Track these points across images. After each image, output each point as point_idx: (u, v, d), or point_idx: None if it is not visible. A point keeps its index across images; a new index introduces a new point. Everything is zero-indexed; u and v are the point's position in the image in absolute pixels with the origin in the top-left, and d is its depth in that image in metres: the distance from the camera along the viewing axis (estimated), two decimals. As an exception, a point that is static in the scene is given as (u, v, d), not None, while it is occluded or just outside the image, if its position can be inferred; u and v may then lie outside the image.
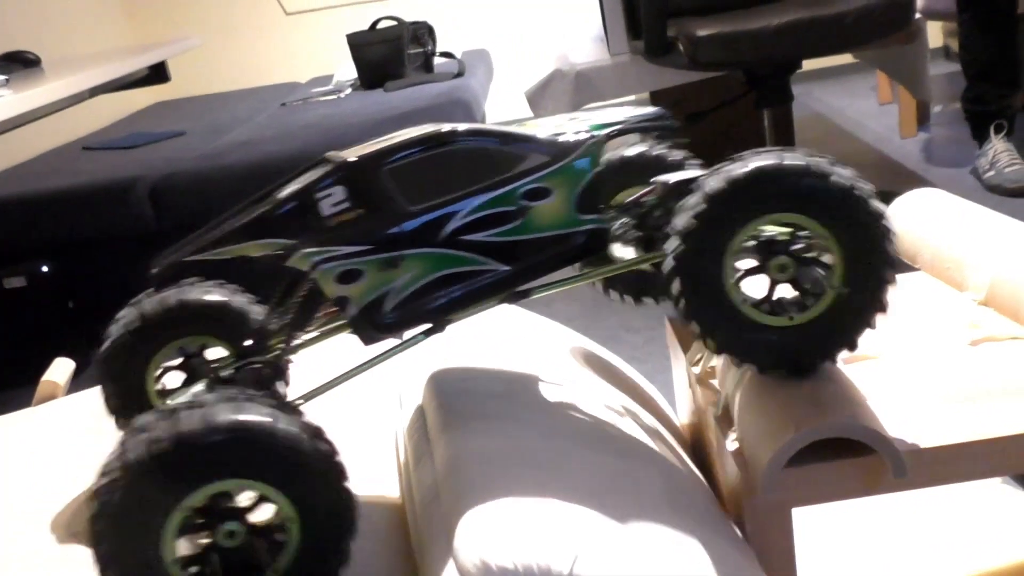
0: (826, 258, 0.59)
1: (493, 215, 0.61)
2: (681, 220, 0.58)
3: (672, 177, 0.66)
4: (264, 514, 0.54)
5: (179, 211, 2.44)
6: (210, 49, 4.29)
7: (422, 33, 3.37)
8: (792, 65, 2.09)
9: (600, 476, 0.59)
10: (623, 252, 0.71)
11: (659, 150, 0.77)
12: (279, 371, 0.64)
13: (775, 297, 0.61)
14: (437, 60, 3.47)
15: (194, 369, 0.73)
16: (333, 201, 0.59)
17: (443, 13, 4.14)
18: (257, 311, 0.72)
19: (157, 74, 2.46)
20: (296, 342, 0.65)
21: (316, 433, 0.53)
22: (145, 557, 0.51)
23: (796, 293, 0.60)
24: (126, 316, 0.71)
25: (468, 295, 0.62)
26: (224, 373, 0.62)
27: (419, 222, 0.60)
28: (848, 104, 3.81)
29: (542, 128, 0.64)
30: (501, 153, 0.61)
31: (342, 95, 3.37)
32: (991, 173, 2.51)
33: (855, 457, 0.61)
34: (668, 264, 0.59)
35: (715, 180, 0.57)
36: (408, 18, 3.51)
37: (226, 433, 0.50)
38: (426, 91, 3.03)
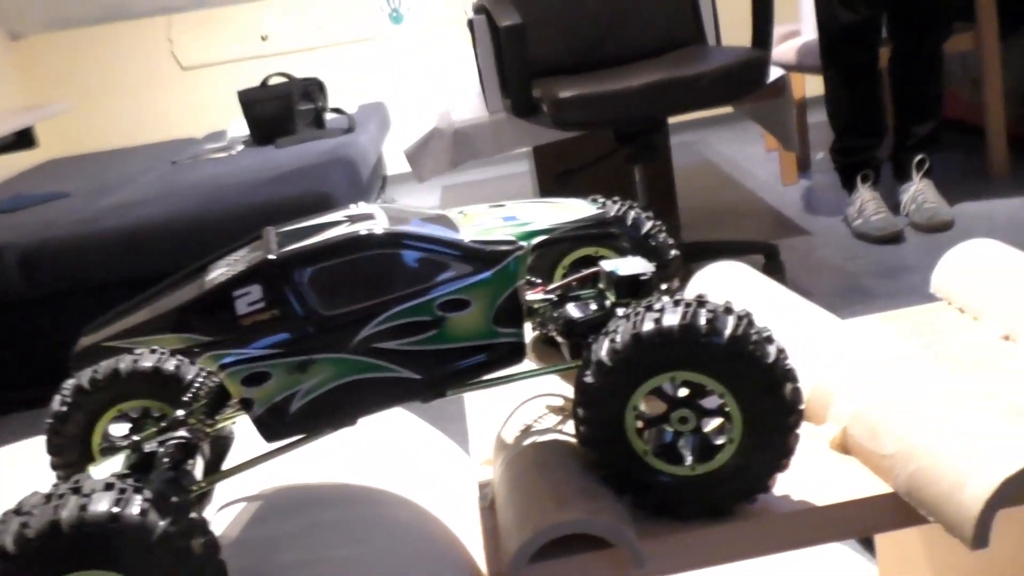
0: (728, 409, 0.59)
1: (408, 324, 0.60)
2: (589, 377, 0.59)
3: (620, 269, 0.66)
4: None
5: (52, 277, 2.39)
6: (107, 104, 4.23)
7: (312, 89, 3.38)
8: (658, 123, 2.15)
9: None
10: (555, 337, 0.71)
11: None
12: (193, 450, 0.63)
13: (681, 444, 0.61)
14: (328, 116, 3.47)
15: (138, 425, 0.73)
16: (249, 300, 0.58)
17: (337, 68, 4.16)
18: (193, 374, 0.73)
19: (24, 139, 2.40)
20: (211, 424, 0.66)
21: (197, 527, 0.53)
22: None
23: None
24: (66, 387, 0.72)
25: (376, 400, 0.61)
26: (146, 447, 0.62)
27: (332, 327, 0.59)
28: (737, 151, 3.92)
29: (473, 226, 0.64)
30: (422, 260, 0.60)
31: (234, 152, 3.35)
32: (859, 221, 2.60)
33: (600, 550, 0.61)
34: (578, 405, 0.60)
35: (620, 335, 0.58)
36: (303, 73, 3.52)
37: (96, 525, 0.51)
38: (315, 147, 3.03)
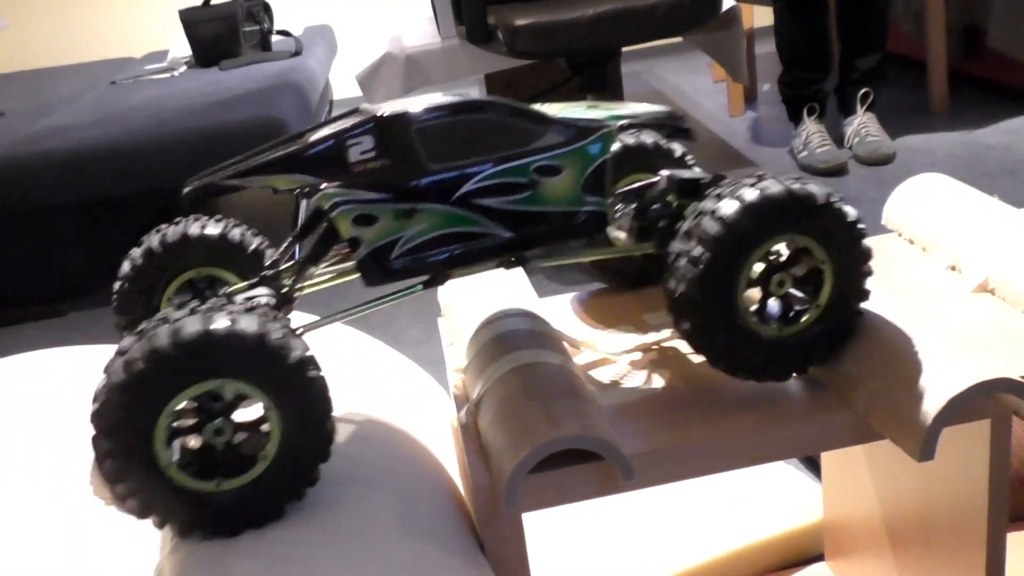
0: (822, 274, 0.64)
1: (506, 184, 0.65)
2: (696, 244, 0.62)
3: (681, 174, 0.70)
4: (250, 413, 0.58)
5: (-9, 199, 2.34)
6: (39, 21, 4.07)
7: (257, 10, 3.30)
8: (611, 53, 2.15)
9: (321, 510, 0.61)
10: (618, 236, 0.75)
11: (667, 145, 0.82)
12: (286, 302, 0.67)
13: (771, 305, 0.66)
14: (275, 38, 3.40)
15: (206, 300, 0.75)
16: (362, 149, 0.62)
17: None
18: (259, 244, 0.76)
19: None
20: (304, 282, 0.68)
21: (286, 329, 0.57)
22: (144, 465, 0.56)
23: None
24: (133, 255, 0.74)
25: (471, 254, 0.66)
26: (236, 299, 0.64)
27: (437, 179, 0.63)
28: (685, 81, 3.94)
29: (563, 111, 0.68)
30: (522, 128, 0.65)
31: (176, 73, 3.27)
32: (804, 153, 2.65)
33: (588, 462, 0.65)
34: (678, 285, 0.63)
35: (730, 204, 0.62)
36: (245, -7, 3.43)
37: (193, 341, 0.54)
38: (262, 70, 2.97)
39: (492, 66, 2.44)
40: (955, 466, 0.74)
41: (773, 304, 0.66)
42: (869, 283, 0.66)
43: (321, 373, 0.58)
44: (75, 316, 2.38)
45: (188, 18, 3.26)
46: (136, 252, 0.74)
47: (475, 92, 3.60)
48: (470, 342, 0.78)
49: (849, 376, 0.65)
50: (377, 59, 2.49)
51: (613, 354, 0.79)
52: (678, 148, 0.84)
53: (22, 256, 2.40)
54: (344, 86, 3.87)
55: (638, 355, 0.78)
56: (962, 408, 0.59)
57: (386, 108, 0.63)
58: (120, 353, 0.56)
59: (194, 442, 0.58)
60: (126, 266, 0.74)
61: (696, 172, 0.71)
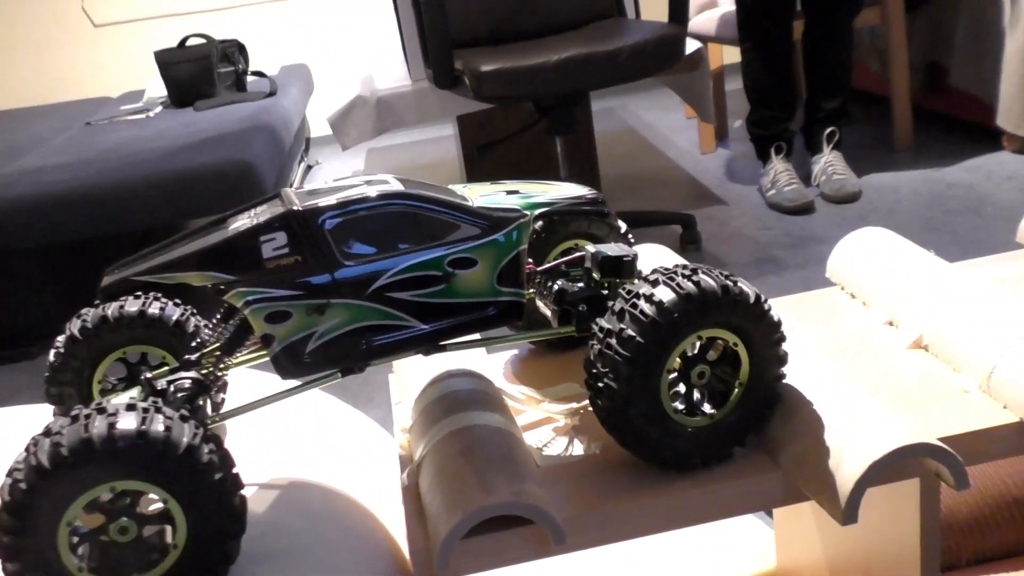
0: (737, 358, 0.65)
1: (419, 277, 0.65)
2: (628, 332, 0.62)
3: (605, 251, 0.71)
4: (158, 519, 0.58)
5: (-40, 244, 2.34)
6: (15, 61, 4.09)
7: (232, 51, 3.33)
8: (577, 96, 2.18)
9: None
10: (545, 312, 0.76)
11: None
12: (206, 388, 0.67)
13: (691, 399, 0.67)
14: (250, 79, 3.43)
15: (136, 378, 0.76)
16: (275, 246, 0.63)
17: (258, 27, 4.09)
18: (194, 323, 0.77)
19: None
20: (225, 364, 0.69)
21: (213, 441, 0.57)
22: (43, 549, 0.55)
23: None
24: (72, 325, 0.75)
25: (386, 346, 0.66)
26: (158, 384, 0.65)
27: (350, 274, 0.64)
28: (658, 117, 3.98)
29: (483, 197, 0.70)
30: (436, 220, 0.65)
31: (151, 114, 3.29)
32: (772, 192, 2.69)
33: (523, 526, 0.66)
34: (601, 382, 0.63)
35: (655, 300, 0.62)
36: (221, 35, 3.46)
37: (123, 439, 0.54)
38: (235, 111, 2.99)
39: (462, 108, 2.47)
40: (889, 519, 0.75)
41: (696, 395, 0.66)
42: (802, 339, 0.67)
43: (214, 457, 0.57)
44: (46, 358, 2.37)
45: (163, 59, 3.29)
46: (59, 341, 0.74)
47: (450, 129, 3.62)
48: (415, 401, 0.80)
49: (776, 438, 0.67)
50: (348, 101, 2.51)
51: (556, 413, 0.80)
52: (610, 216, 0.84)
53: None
54: (322, 123, 3.90)
55: (581, 413, 0.80)
56: (886, 471, 0.61)
57: (300, 202, 0.63)
58: (47, 434, 0.55)
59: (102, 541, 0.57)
60: (51, 355, 0.74)
61: (621, 249, 0.72)
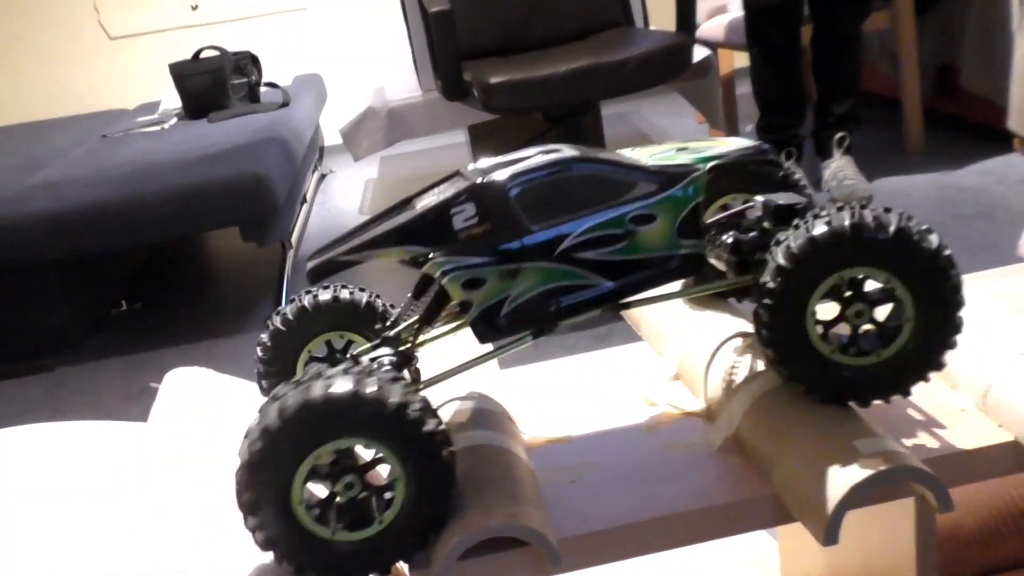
0: (897, 295, 0.66)
1: (603, 236, 0.68)
2: (766, 283, 0.65)
3: (776, 199, 0.72)
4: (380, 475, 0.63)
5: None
6: (34, 75, 4.14)
7: (245, 63, 3.36)
8: (585, 106, 2.19)
9: None
10: (718, 265, 0.77)
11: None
12: (408, 360, 0.72)
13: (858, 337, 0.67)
14: (263, 90, 3.46)
15: (336, 361, 0.82)
16: (464, 217, 0.66)
17: (271, 38, 4.12)
18: (381, 304, 0.82)
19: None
20: (423, 337, 0.74)
21: (424, 404, 0.62)
22: (278, 503, 0.61)
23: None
24: (286, 309, 0.81)
25: (575, 305, 0.69)
26: (362, 360, 0.70)
27: (537, 239, 0.67)
28: (670, 123, 3.99)
29: (652, 157, 0.72)
30: (614, 180, 0.68)
31: (166, 126, 3.32)
32: (782, 197, 2.68)
33: (521, 547, 0.67)
34: (760, 318, 0.66)
35: (796, 237, 0.64)
36: (235, 46, 3.49)
37: (343, 399, 0.60)
38: (249, 123, 3.02)
39: (472, 118, 2.49)
40: (888, 535, 0.76)
41: (860, 335, 0.67)
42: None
43: (452, 449, 0.63)
44: (62, 371, 2.41)
45: (178, 72, 3.32)
46: (289, 309, 0.81)
47: (462, 135, 3.64)
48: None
49: (769, 457, 0.68)
50: (360, 113, 2.54)
51: (558, 439, 0.81)
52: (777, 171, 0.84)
53: (7, 312, 2.43)
54: (335, 133, 3.92)
55: (586, 432, 0.81)
56: (868, 494, 0.62)
57: (483, 175, 0.67)
58: (274, 399, 0.61)
59: (325, 490, 0.63)
60: (276, 320, 0.81)
61: (791, 197, 0.73)
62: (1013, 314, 0.84)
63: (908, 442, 0.71)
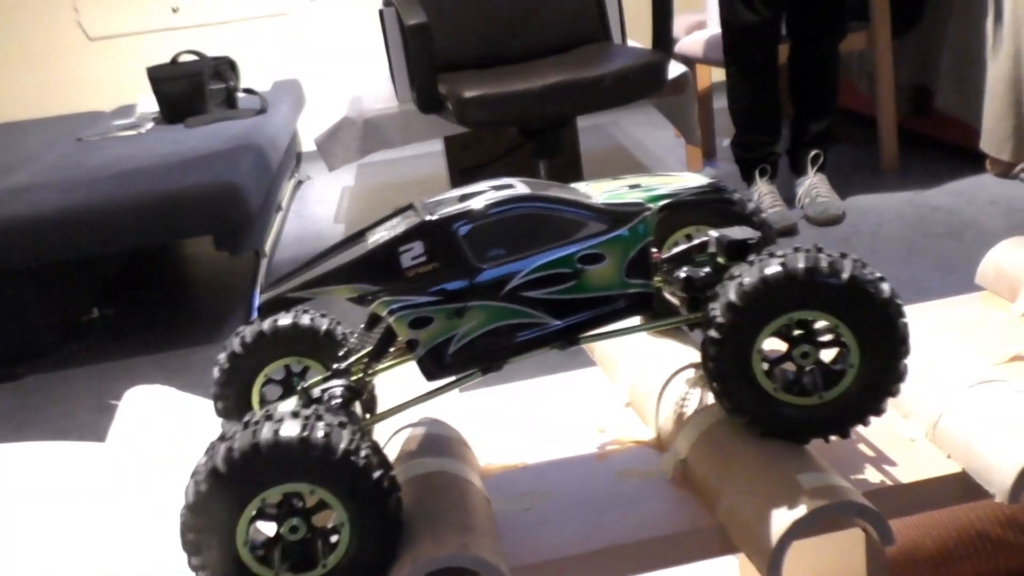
0: (844, 340, 0.66)
1: (551, 275, 0.68)
2: (715, 317, 0.65)
3: (729, 234, 0.72)
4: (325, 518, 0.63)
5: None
6: (10, 74, 4.11)
7: (224, 68, 3.35)
8: (561, 121, 2.20)
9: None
10: (671, 300, 0.78)
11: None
12: (358, 393, 0.72)
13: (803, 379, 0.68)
14: (241, 95, 3.44)
15: (291, 386, 0.84)
16: (412, 255, 0.67)
17: (251, 43, 4.11)
18: (340, 332, 0.83)
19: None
20: (373, 370, 0.74)
21: (371, 450, 0.62)
22: (222, 544, 0.61)
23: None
24: (245, 331, 0.81)
25: (522, 344, 0.70)
26: (313, 392, 0.71)
27: (485, 278, 0.67)
28: (648, 135, 4.00)
29: (605, 193, 0.72)
30: (563, 219, 0.69)
31: (142, 130, 3.30)
32: (756, 213, 2.70)
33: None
34: (706, 356, 0.66)
35: (749, 275, 0.65)
36: (215, 49, 3.47)
37: (290, 445, 0.60)
38: (225, 129, 3.01)
39: (448, 130, 2.49)
40: (840, 557, 0.77)
41: (805, 376, 0.68)
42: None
43: (399, 495, 0.64)
44: (32, 379, 2.38)
45: (155, 75, 3.31)
46: (221, 357, 0.81)
47: (439, 145, 3.64)
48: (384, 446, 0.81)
49: (715, 489, 0.68)
50: (335, 123, 2.53)
51: (513, 465, 0.82)
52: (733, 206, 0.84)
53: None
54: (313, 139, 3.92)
55: (541, 459, 0.81)
56: (813, 526, 0.62)
57: (433, 212, 0.68)
58: (223, 439, 0.61)
59: (270, 531, 0.63)
60: (215, 372, 0.81)
61: (745, 232, 0.73)
62: (961, 344, 0.85)
63: (856, 474, 0.72)
